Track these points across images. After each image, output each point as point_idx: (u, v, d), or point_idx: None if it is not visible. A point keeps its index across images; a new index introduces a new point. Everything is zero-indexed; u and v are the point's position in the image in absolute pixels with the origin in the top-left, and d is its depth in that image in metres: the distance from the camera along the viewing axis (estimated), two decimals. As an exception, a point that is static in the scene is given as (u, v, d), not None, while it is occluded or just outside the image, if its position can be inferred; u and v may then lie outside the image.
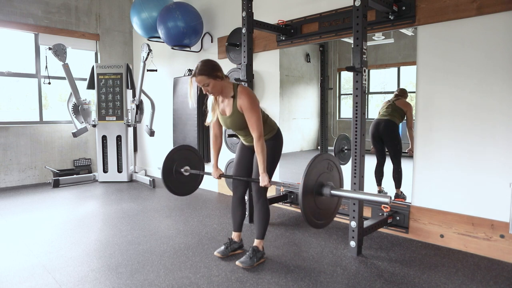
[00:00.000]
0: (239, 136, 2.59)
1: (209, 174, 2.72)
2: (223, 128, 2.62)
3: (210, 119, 2.49)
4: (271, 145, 2.46)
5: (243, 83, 3.34)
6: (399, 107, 3.50)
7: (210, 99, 2.47)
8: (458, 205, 2.73)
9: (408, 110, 3.43)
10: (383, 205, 3.05)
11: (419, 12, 2.82)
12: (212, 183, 4.81)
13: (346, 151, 3.99)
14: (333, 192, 2.01)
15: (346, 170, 2.71)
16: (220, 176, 2.62)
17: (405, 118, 3.47)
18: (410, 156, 3.01)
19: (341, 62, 4.08)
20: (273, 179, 3.95)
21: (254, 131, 2.29)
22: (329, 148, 4.19)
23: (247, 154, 2.60)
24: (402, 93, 3.56)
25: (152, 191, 4.78)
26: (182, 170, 2.80)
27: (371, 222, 2.83)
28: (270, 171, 2.44)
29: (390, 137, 3.56)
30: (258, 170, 2.43)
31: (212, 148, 2.64)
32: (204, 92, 2.36)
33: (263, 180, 2.30)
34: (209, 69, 2.27)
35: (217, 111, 2.46)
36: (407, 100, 3.52)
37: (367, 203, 3.04)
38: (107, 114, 5.29)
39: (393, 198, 3.36)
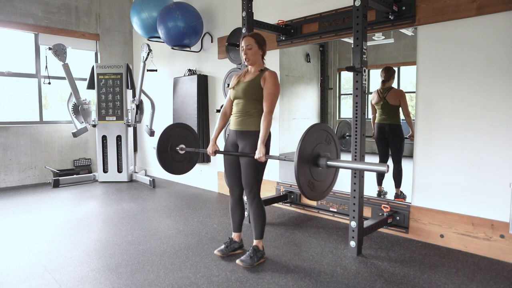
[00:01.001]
0: (234, 112, 2.52)
1: (204, 151, 2.69)
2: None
3: (232, 84, 2.56)
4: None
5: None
6: (392, 104, 3.49)
7: (235, 76, 2.58)
8: (458, 205, 2.73)
9: (401, 100, 3.42)
10: (383, 205, 3.05)
11: (419, 12, 2.82)
12: (212, 183, 4.81)
13: (347, 137, 3.99)
14: (329, 163, 1.97)
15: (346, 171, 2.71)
16: (216, 152, 2.60)
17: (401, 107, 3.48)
18: (411, 141, 3.01)
19: (341, 62, 4.08)
20: (273, 179, 3.98)
21: (268, 104, 2.36)
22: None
23: (233, 160, 2.54)
24: (388, 77, 3.50)
25: (152, 191, 4.78)
26: (177, 149, 2.78)
27: (371, 222, 2.83)
28: (260, 168, 2.43)
29: (395, 139, 3.57)
30: (247, 170, 2.42)
31: (217, 123, 2.63)
32: (242, 53, 2.46)
33: (259, 151, 2.29)
34: (261, 39, 2.48)
35: (236, 83, 2.51)
36: (401, 84, 3.52)
37: (365, 171, 2.93)
38: (107, 114, 5.29)
39: (393, 198, 3.37)
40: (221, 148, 2.66)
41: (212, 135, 2.62)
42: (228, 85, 4.33)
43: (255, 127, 2.41)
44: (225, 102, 2.63)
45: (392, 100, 3.50)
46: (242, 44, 2.45)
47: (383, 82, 3.53)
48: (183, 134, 2.87)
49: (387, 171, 1.81)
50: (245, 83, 2.46)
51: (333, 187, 2.19)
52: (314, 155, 1.99)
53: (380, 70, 3.58)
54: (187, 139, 2.89)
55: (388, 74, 3.51)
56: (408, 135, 3.25)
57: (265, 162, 2.44)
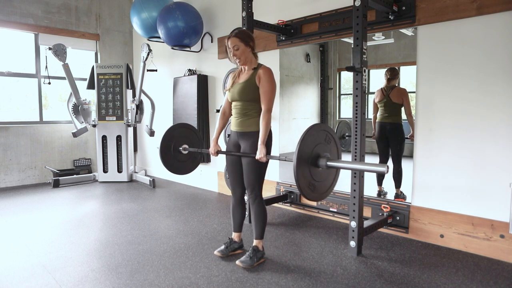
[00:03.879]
0: (233, 114, 2.52)
1: (207, 151, 2.69)
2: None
3: (228, 86, 2.53)
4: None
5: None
6: (395, 102, 3.50)
7: (231, 76, 2.54)
8: (458, 205, 2.73)
9: (405, 99, 3.42)
10: (383, 205, 3.05)
11: (419, 12, 2.82)
12: (212, 183, 4.81)
13: (347, 137, 3.98)
14: (329, 163, 1.96)
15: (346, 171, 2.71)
16: (218, 152, 2.60)
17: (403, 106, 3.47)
18: (412, 141, 3.00)
19: (341, 62, 4.08)
20: (273, 179, 3.98)
21: (265, 103, 2.34)
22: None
23: (235, 160, 2.55)
24: (394, 75, 3.51)
25: (152, 191, 4.78)
26: (180, 149, 2.79)
27: (371, 222, 2.83)
28: (261, 168, 2.43)
29: (396, 138, 3.57)
30: (248, 171, 2.42)
31: (217, 123, 2.63)
32: (232, 55, 2.40)
33: (260, 152, 2.28)
34: (244, 35, 2.39)
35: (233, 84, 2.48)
36: (400, 86, 3.52)
37: (364, 171, 2.91)
38: (107, 114, 5.29)
39: (393, 198, 3.37)
40: (223, 148, 2.65)
41: (212, 136, 2.61)
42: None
43: (256, 127, 2.40)
44: (223, 102, 2.62)
45: (395, 98, 3.50)
46: (229, 45, 2.39)
47: (389, 80, 3.53)
48: (186, 134, 2.87)
49: (387, 172, 1.80)
50: (240, 85, 2.43)
51: (334, 186, 2.19)
52: (313, 155, 1.98)
53: (384, 70, 3.59)
54: (190, 139, 2.89)
55: (394, 72, 3.54)
56: (409, 135, 3.25)
57: (267, 162, 2.44)
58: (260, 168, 2.43)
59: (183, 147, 2.81)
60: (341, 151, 2.19)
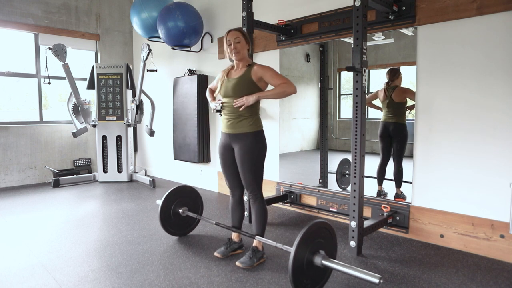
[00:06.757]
0: (224, 114, 2.47)
1: (205, 219, 2.86)
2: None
3: (218, 81, 2.58)
4: (255, 142, 2.39)
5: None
6: (398, 102, 3.48)
7: (221, 72, 2.55)
8: (458, 205, 2.73)
9: (409, 96, 3.34)
10: (383, 205, 3.05)
11: (419, 12, 2.82)
12: (212, 183, 4.81)
13: (347, 175, 3.99)
14: (324, 262, 1.99)
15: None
16: (220, 102, 2.50)
17: (410, 101, 3.40)
18: (410, 155, 3.01)
19: (341, 62, 4.08)
20: (273, 179, 3.97)
21: (280, 80, 2.33)
22: (328, 162, 4.18)
23: (230, 156, 2.50)
24: (392, 77, 3.49)
25: (152, 191, 4.78)
26: (180, 211, 2.93)
27: (371, 222, 2.83)
28: (257, 168, 2.43)
29: (399, 137, 3.56)
30: (244, 172, 2.41)
31: (208, 94, 2.68)
32: (232, 48, 2.37)
33: (246, 98, 2.32)
34: (246, 33, 2.48)
35: (224, 80, 2.48)
36: (402, 83, 3.48)
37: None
38: (107, 114, 5.29)
39: (393, 198, 3.37)
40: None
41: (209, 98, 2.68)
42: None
43: (248, 128, 2.38)
44: (211, 84, 2.72)
45: (397, 98, 3.49)
46: (228, 38, 2.38)
47: (387, 83, 3.53)
48: (187, 196, 3.03)
49: (379, 283, 1.79)
50: (235, 80, 2.39)
51: (327, 279, 2.18)
52: (310, 253, 2.00)
53: (385, 70, 3.58)
54: (190, 202, 3.04)
55: (391, 74, 3.51)
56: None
57: (262, 162, 2.45)
58: (256, 166, 2.40)
59: (183, 209, 2.95)
60: (336, 243, 2.19)
